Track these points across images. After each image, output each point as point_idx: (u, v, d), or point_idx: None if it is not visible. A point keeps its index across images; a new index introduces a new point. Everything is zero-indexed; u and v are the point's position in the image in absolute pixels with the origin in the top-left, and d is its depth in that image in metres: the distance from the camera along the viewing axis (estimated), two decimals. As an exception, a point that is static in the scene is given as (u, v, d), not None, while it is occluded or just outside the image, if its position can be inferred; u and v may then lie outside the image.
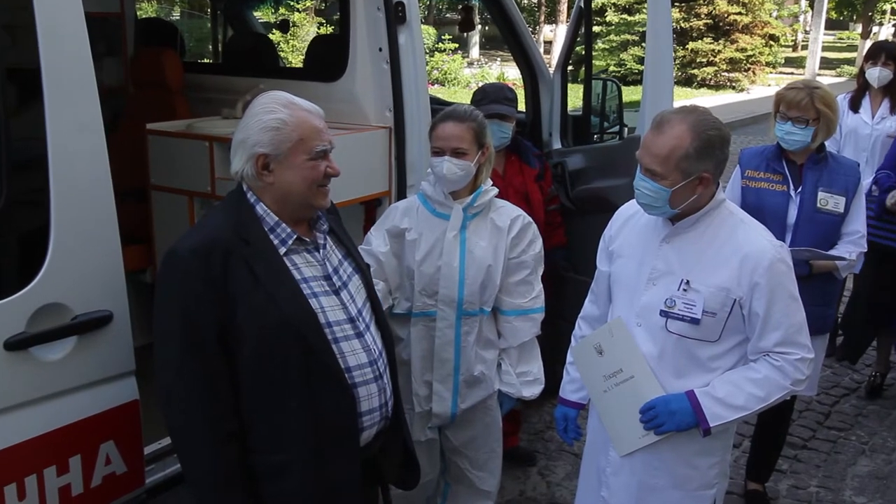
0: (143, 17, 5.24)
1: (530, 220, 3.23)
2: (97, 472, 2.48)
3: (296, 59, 16.87)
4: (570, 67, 5.02)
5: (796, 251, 3.55)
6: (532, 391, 3.27)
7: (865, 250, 3.76)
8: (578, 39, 5.02)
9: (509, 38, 4.76)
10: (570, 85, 4.98)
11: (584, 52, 5.06)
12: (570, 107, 5.02)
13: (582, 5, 4.80)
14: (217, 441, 2.20)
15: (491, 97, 4.01)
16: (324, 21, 19.11)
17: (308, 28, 18.55)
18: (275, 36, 12.54)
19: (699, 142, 2.42)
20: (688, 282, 2.52)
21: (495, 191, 3.17)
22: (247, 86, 3.79)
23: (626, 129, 5.19)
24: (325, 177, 2.32)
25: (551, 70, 4.99)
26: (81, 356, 2.41)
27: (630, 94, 5.71)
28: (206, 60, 6.70)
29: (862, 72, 5.51)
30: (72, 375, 2.40)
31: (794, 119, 3.62)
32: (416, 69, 3.55)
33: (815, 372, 3.83)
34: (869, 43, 25.74)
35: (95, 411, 2.46)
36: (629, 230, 2.74)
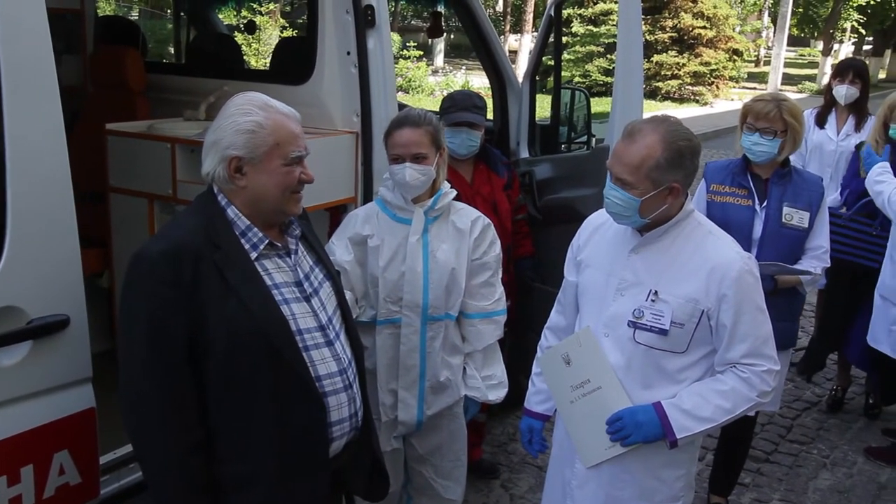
0: (104, 14, 5.13)
1: (489, 221, 3.22)
2: (50, 482, 2.40)
3: (258, 62, 16.72)
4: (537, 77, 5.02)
5: (763, 265, 3.57)
6: (497, 394, 3.26)
7: (829, 265, 3.79)
8: (547, 49, 5.03)
9: (479, 46, 4.75)
10: (537, 94, 4.98)
11: (551, 62, 5.06)
12: (538, 116, 5.01)
13: (552, 14, 4.80)
14: (183, 451, 2.15)
15: (460, 105, 3.98)
16: (287, 24, 18.98)
17: (271, 31, 18.40)
18: (238, 38, 12.42)
19: (670, 152, 2.43)
20: (656, 292, 2.52)
21: (454, 193, 3.16)
22: (210, 87, 3.76)
23: (593, 140, 5.21)
24: (300, 183, 2.28)
25: (519, 79, 4.99)
26: (36, 362, 2.33)
27: (595, 105, 5.74)
28: (168, 61, 6.61)
29: (829, 88, 5.59)
30: (26, 382, 2.32)
31: (762, 130, 3.64)
32: (385, 74, 3.51)
33: (778, 386, 3.82)
34: (830, 60, 26.18)
35: (50, 419, 2.39)
36: (598, 240, 2.73)
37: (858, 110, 5.54)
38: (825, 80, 5.85)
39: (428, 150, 3.01)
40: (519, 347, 4.03)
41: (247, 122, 2.19)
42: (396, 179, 3.02)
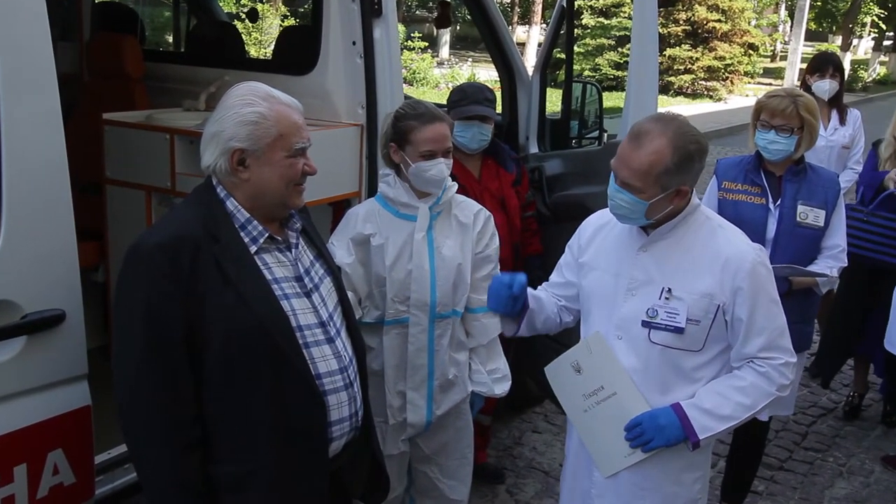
0: (101, 0, 5.06)
1: (489, 213, 3.19)
2: (44, 482, 2.36)
3: (259, 52, 16.67)
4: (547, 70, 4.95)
5: (776, 268, 3.49)
6: (503, 388, 3.21)
7: (846, 265, 3.72)
8: (558, 41, 4.96)
9: (487, 37, 4.68)
10: (548, 88, 4.90)
11: (561, 55, 4.99)
12: (548, 110, 4.94)
13: (564, 5, 4.73)
14: (179, 449, 2.11)
15: (471, 98, 3.91)
16: (289, 13, 18.91)
17: (272, 20, 18.35)
18: (239, 26, 12.35)
19: (679, 156, 2.37)
20: (669, 290, 2.47)
21: (456, 186, 3.12)
22: (211, 77, 3.71)
23: (605, 135, 5.14)
24: (303, 175, 2.24)
25: (528, 71, 4.91)
26: (31, 358, 2.29)
27: (606, 99, 5.68)
28: (167, 49, 6.56)
29: (806, 85, 5.50)
30: (20, 378, 2.28)
31: (778, 128, 3.56)
32: (391, 65, 3.45)
33: (791, 391, 3.78)
34: (849, 55, 25.84)
35: (44, 417, 2.34)
36: (601, 241, 2.68)
37: (838, 104, 5.53)
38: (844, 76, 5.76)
39: (451, 144, 3.00)
40: (525, 348, 3.97)
41: (250, 113, 2.15)
42: (429, 176, 2.94)
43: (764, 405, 2.51)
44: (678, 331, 2.45)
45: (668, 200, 2.42)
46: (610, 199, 2.48)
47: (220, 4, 5.83)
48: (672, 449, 2.50)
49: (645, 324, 2.49)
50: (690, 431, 2.45)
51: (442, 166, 2.93)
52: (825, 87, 5.39)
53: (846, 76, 5.64)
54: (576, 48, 21.65)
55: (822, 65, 5.48)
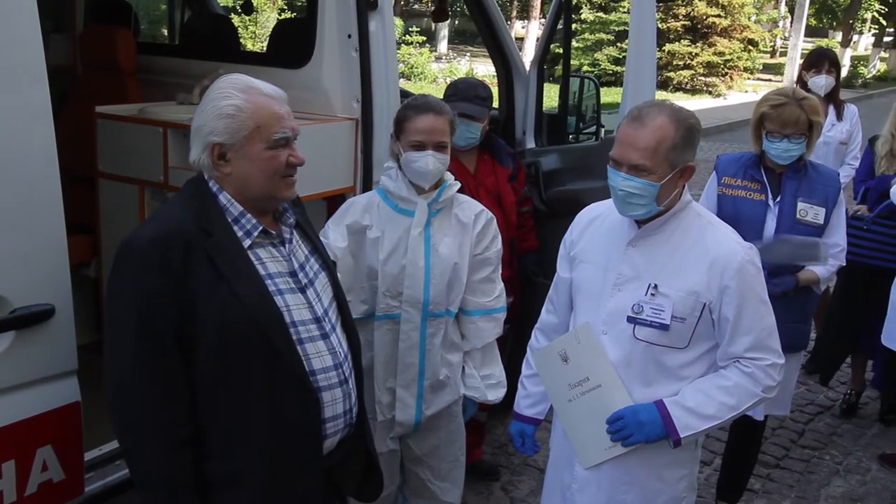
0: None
1: (492, 215, 3.15)
2: (32, 479, 2.35)
3: (254, 45, 16.61)
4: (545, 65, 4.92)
5: (777, 242, 3.45)
6: (496, 394, 3.20)
7: (844, 264, 3.71)
8: (556, 35, 4.93)
9: (485, 31, 4.65)
10: (545, 83, 4.87)
11: (559, 49, 4.96)
12: (545, 105, 4.91)
13: (562, -1, 4.70)
14: (171, 446, 2.09)
15: (462, 95, 3.87)
16: (285, 6, 18.86)
17: (269, 13, 18.29)
18: (234, 19, 12.29)
19: (683, 130, 2.38)
20: (655, 286, 2.45)
21: (458, 185, 3.08)
22: (205, 70, 3.67)
23: (602, 130, 5.11)
24: (289, 166, 2.20)
25: (526, 66, 4.88)
26: (20, 353, 2.28)
27: (604, 95, 5.65)
28: (161, 41, 6.54)
29: (803, 81, 5.52)
30: (8, 374, 2.27)
31: (790, 136, 3.53)
32: (387, 59, 3.43)
33: (788, 390, 3.77)
34: (849, 52, 25.70)
35: (33, 413, 2.33)
36: (592, 234, 2.66)
37: (834, 99, 5.55)
38: (844, 72, 5.74)
39: (448, 139, 2.96)
40: (521, 345, 3.95)
41: (226, 107, 2.12)
42: (415, 167, 2.92)
43: (749, 406, 2.49)
44: (663, 328, 2.44)
45: (675, 182, 2.41)
46: (618, 191, 2.42)
47: (216, -3, 5.80)
48: (655, 445, 2.49)
49: (630, 319, 2.47)
50: (672, 429, 2.44)
51: (429, 159, 2.90)
52: (821, 82, 5.42)
53: (846, 72, 5.63)
54: (574, 43, 21.65)
55: (817, 60, 5.51)
